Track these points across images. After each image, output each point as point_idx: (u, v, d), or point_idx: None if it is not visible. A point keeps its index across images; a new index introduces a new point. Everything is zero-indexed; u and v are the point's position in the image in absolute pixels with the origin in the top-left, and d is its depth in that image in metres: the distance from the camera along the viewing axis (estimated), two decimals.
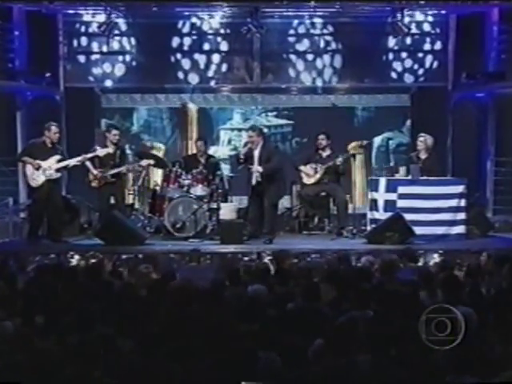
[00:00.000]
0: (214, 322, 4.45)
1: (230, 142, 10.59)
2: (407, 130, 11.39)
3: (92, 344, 4.03)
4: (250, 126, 9.96)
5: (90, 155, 9.13)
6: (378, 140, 11.59)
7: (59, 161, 9.00)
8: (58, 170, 8.99)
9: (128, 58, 11.36)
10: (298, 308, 4.96)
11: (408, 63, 11.40)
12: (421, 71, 11.42)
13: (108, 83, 11.42)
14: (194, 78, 11.41)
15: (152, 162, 9.57)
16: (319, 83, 11.49)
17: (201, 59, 11.39)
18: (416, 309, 4.37)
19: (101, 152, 9.15)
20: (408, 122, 11.51)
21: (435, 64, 11.38)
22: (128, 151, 10.38)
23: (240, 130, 11.45)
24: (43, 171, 8.89)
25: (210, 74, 11.42)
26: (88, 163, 9.25)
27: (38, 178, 8.89)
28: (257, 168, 8.94)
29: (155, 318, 4.67)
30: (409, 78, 11.42)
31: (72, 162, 9.03)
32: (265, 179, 8.92)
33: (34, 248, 8.58)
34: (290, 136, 11.59)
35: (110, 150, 9.24)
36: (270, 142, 9.60)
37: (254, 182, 8.98)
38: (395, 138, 11.58)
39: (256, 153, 9.00)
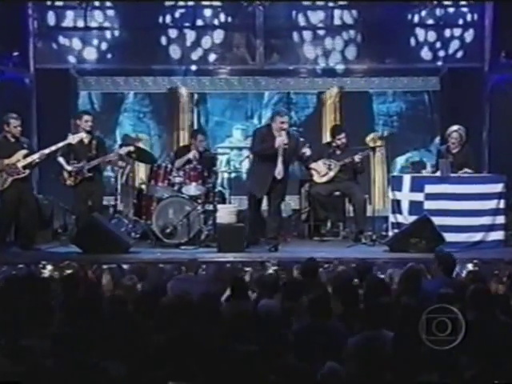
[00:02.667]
0: (211, 343, 4.47)
1: (228, 162, 10.43)
2: (435, 148, 11.01)
3: (68, 370, 4.05)
4: (276, 110, 9.84)
5: (61, 144, 9.13)
6: (400, 161, 11.63)
7: (26, 156, 9.03)
8: (25, 167, 9.02)
9: (109, 34, 11.39)
10: (306, 326, 4.99)
11: (437, 40, 11.41)
12: (452, 49, 11.43)
13: (86, 64, 11.45)
14: (186, 59, 11.43)
15: (132, 148, 9.58)
16: (332, 64, 11.52)
17: (194, 36, 11.42)
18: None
19: (73, 139, 9.16)
20: (437, 139, 11.37)
21: (469, 41, 11.39)
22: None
23: (240, 148, 11.46)
24: (9, 170, 8.92)
25: (205, 53, 11.44)
26: (61, 159, 9.26)
27: (3, 179, 8.92)
28: (308, 150, 8.86)
29: (142, 339, 4.70)
30: (438, 58, 11.45)
31: (41, 154, 9.01)
32: (286, 174, 8.93)
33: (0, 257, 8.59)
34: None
35: (84, 135, 9.25)
36: (291, 131, 9.51)
37: (280, 176, 8.83)
38: (421, 160, 11.47)
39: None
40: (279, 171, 8.84)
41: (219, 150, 10.49)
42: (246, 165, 10.59)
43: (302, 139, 9.47)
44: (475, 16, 11.34)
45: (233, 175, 10.78)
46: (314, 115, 11.81)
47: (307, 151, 8.97)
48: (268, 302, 5.69)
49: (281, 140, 8.79)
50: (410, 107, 11.87)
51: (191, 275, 7.05)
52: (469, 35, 11.41)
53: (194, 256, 8.10)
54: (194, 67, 11.53)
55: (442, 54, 11.43)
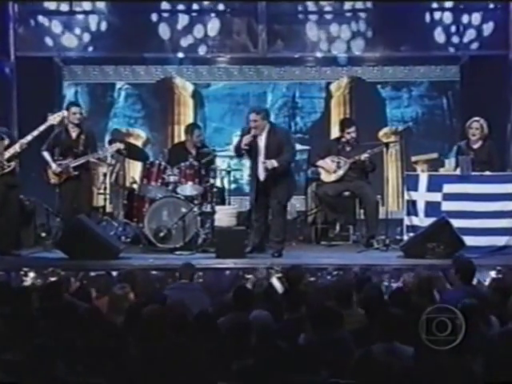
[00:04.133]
0: (210, 357, 4.44)
1: (229, 173, 10.43)
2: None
3: None
4: (251, 108, 9.88)
5: (42, 127, 9.02)
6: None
7: (8, 146, 8.99)
8: (10, 160, 8.97)
9: (97, 19, 11.37)
10: (311, 340, 4.98)
11: (457, 25, 11.36)
12: (473, 35, 11.37)
13: (71, 52, 11.44)
14: (181, 46, 11.42)
15: (122, 146, 9.56)
16: (342, 52, 11.48)
17: (191, 21, 11.40)
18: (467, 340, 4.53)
19: (54, 118, 9.06)
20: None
21: (492, 26, 11.34)
22: None
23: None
24: None
25: (203, 40, 11.43)
26: (45, 154, 9.25)
27: None
28: (271, 163, 8.82)
29: (134, 353, 4.67)
30: (458, 45, 11.40)
31: (21, 144, 8.91)
32: (275, 175, 8.90)
33: None
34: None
35: (65, 112, 9.18)
36: (278, 126, 9.49)
37: (262, 177, 8.95)
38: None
39: (261, 141, 8.96)
40: (260, 172, 8.90)
41: (217, 160, 10.37)
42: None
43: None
44: None
45: (233, 174, 10.72)
46: (321, 121, 11.83)
47: (269, 165, 8.81)
48: (260, 312, 5.67)
49: (245, 139, 8.86)
50: (427, 112, 11.90)
51: (185, 283, 7.00)
52: (492, 20, 11.34)
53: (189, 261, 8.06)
54: (190, 55, 11.51)
55: (462, 40, 11.39)
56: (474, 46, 11.40)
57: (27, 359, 4.50)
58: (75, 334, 4.98)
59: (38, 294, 6.24)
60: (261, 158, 8.92)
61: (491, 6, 11.32)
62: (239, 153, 9.15)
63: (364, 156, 9.59)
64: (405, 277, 6.99)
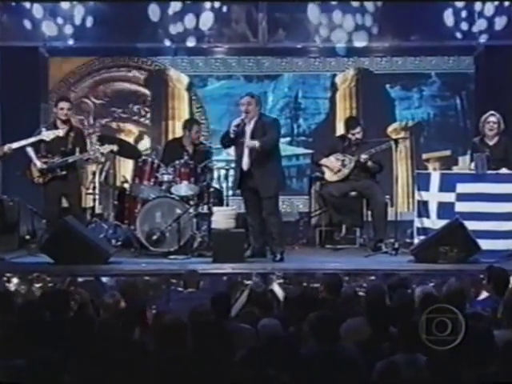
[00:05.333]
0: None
1: (226, 178, 10.33)
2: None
3: None
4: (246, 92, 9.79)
5: (32, 139, 9.06)
6: None
7: None
8: None
9: (84, 6, 11.34)
10: (315, 352, 5.00)
11: (472, 13, 11.35)
12: (490, 24, 11.35)
13: (58, 42, 11.43)
14: (176, 36, 11.42)
15: (115, 148, 9.56)
16: (348, 42, 11.48)
17: (186, 9, 11.40)
18: (488, 352, 4.57)
19: (48, 135, 9.07)
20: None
21: (510, 13, 11.30)
22: None
23: None
24: None
25: (199, 29, 11.42)
26: (30, 150, 9.20)
27: None
28: (252, 142, 8.78)
29: (126, 367, 4.66)
30: (473, 34, 11.38)
31: (8, 148, 8.90)
32: (259, 162, 8.85)
33: None
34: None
35: (61, 132, 9.18)
36: (267, 115, 9.47)
37: (246, 166, 8.91)
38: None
39: (249, 129, 8.95)
40: (245, 162, 8.87)
41: (215, 165, 10.33)
42: None
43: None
44: None
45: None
46: (325, 123, 11.83)
47: (250, 144, 8.78)
48: (270, 321, 5.66)
49: (234, 121, 8.86)
50: (439, 113, 11.89)
51: (192, 292, 7.00)
52: (509, 6, 11.32)
53: (189, 267, 8.06)
54: (185, 45, 11.48)
55: (477, 28, 11.37)
56: (491, 35, 11.35)
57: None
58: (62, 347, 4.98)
59: (24, 301, 6.22)
60: (247, 140, 8.86)
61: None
62: (226, 140, 9.05)
63: (364, 157, 9.59)
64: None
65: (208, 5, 11.38)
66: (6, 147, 8.94)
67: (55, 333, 5.22)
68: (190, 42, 11.48)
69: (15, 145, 8.97)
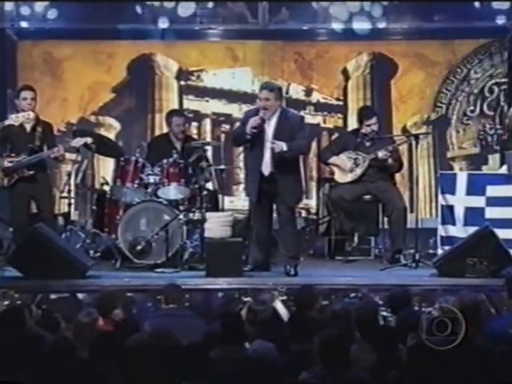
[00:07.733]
0: None
1: (222, 172, 10.27)
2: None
3: None
4: (263, 83, 9.77)
5: None
6: None
7: None
8: None
9: None
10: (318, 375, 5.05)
11: None
12: None
13: (28, 23, 11.44)
14: (164, 16, 11.44)
15: (90, 140, 9.54)
16: (361, 23, 11.47)
17: None
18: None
19: (16, 119, 9.00)
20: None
21: None
22: None
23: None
24: None
25: (191, 9, 11.44)
26: None
27: None
28: (280, 145, 8.70)
29: None
30: (505, 13, 11.35)
31: None
32: (283, 168, 8.84)
33: None
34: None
35: (31, 114, 9.07)
36: (291, 110, 9.39)
37: (267, 171, 8.87)
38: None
39: (270, 127, 8.88)
40: (266, 165, 8.85)
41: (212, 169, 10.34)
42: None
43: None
44: None
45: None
46: None
47: (276, 147, 8.74)
48: (263, 344, 5.68)
49: (252, 121, 8.77)
50: None
51: (174, 308, 6.98)
52: None
53: (178, 282, 8.03)
54: (174, 27, 11.48)
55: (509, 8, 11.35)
56: None
57: None
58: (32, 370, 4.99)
59: None
60: (268, 144, 8.83)
61: None
62: (241, 140, 9.03)
63: (382, 153, 9.58)
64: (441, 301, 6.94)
65: None
66: None
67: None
68: (180, 24, 11.46)
69: None
